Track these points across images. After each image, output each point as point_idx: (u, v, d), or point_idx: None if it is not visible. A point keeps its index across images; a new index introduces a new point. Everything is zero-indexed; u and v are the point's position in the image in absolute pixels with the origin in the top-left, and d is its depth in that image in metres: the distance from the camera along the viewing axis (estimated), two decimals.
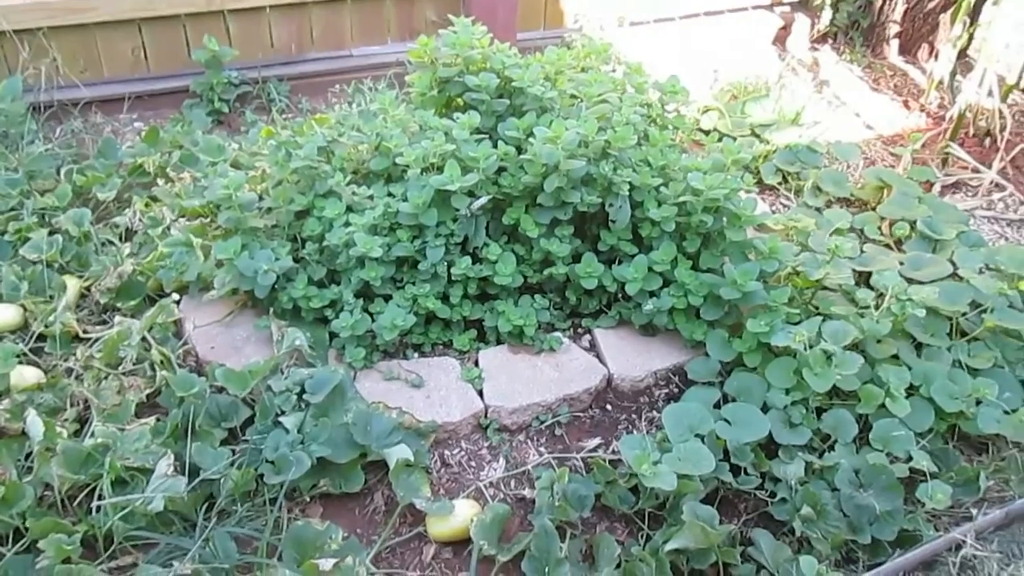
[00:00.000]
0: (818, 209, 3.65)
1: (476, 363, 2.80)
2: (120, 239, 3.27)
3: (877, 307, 2.79)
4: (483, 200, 2.72)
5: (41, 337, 2.83)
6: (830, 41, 5.28)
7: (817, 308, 2.92)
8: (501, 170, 2.83)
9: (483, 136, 2.90)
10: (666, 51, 4.65)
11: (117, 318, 2.85)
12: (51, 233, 3.16)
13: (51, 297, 2.96)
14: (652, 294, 2.84)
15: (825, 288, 3.01)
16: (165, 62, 4.23)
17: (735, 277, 2.69)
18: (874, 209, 3.63)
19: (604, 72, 3.32)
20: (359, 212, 2.75)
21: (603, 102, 2.93)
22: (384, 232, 2.74)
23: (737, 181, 2.82)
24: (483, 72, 2.97)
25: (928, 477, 2.48)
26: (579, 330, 2.98)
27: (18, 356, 2.72)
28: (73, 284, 3.04)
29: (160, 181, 3.50)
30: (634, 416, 2.78)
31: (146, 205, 3.35)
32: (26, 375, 2.68)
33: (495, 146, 2.81)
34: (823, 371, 2.58)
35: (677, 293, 2.80)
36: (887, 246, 3.46)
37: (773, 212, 3.68)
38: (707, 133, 4.10)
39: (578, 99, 2.99)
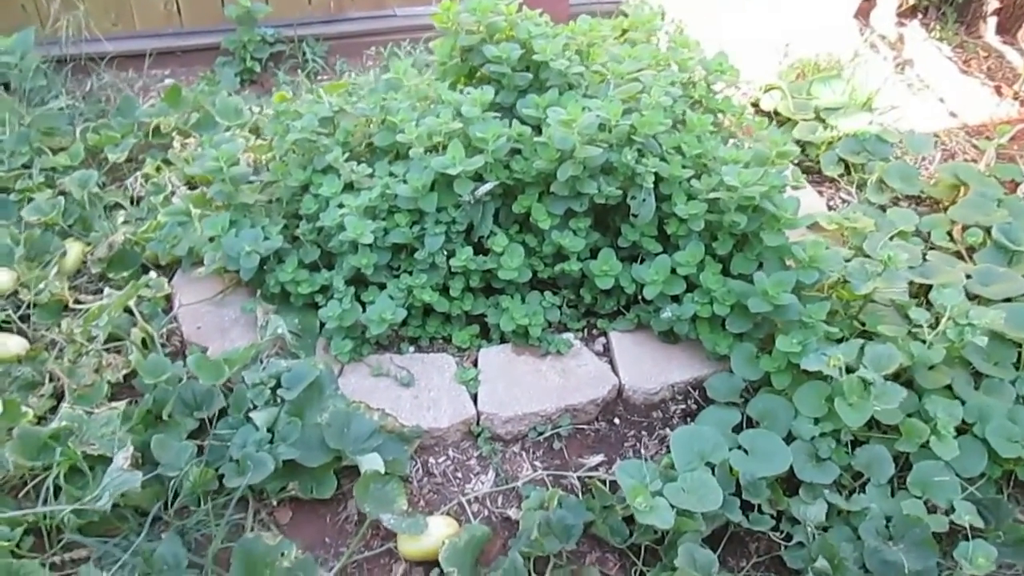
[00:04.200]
0: (882, 207, 3.27)
1: (475, 362, 2.57)
2: (131, 203, 3.14)
3: (933, 328, 2.44)
4: (488, 186, 2.47)
5: (36, 304, 2.71)
6: (919, 16, 4.79)
7: (863, 325, 2.59)
8: (516, 152, 2.57)
9: (501, 113, 2.64)
10: (736, 21, 4.26)
11: (107, 290, 2.72)
12: (58, 195, 3.04)
13: (49, 262, 2.85)
14: (675, 298, 2.55)
15: (875, 302, 2.66)
16: (199, 16, 4.07)
17: (767, 287, 2.38)
18: (946, 210, 3.23)
19: (651, 46, 3.00)
20: (356, 192, 2.53)
21: (635, 80, 2.62)
22: (382, 215, 2.52)
23: (780, 177, 2.50)
24: (505, 42, 2.69)
25: (971, 534, 2.15)
26: (593, 332, 2.71)
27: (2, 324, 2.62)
28: (76, 249, 2.92)
29: (177, 144, 3.35)
30: (643, 433, 2.52)
31: (157, 169, 3.20)
32: (9, 345, 2.57)
33: (515, 124, 2.54)
34: (858, 402, 2.27)
35: (702, 300, 2.50)
36: (957, 254, 3.07)
37: (830, 208, 3.32)
38: (768, 115, 3.78)
39: (607, 76, 2.69)
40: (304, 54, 4.14)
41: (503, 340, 2.63)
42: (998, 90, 4.19)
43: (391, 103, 2.64)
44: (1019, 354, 2.58)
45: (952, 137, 3.86)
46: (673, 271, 2.52)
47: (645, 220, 2.52)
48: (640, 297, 2.60)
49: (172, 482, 2.18)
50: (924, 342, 2.43)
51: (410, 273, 2.52)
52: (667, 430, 2.51)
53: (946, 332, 2.39)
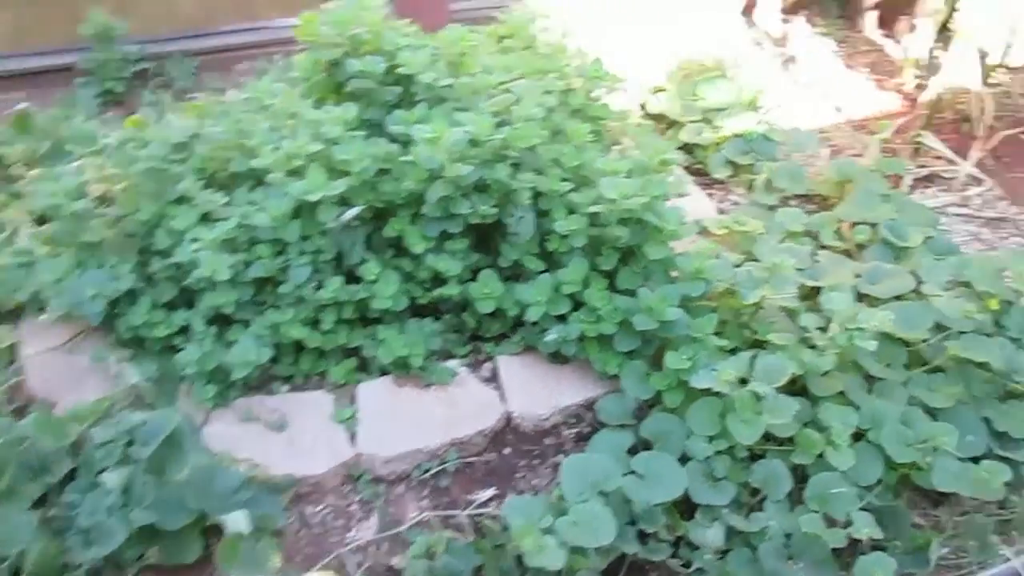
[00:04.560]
0: (771, 208, 3.22)
1: (353, 399, 2.40)
2: None
3: (824, 332, 2.38)
4: (354, 211, 2.30)
5: None
6: (804, 11, 4.81)
7: (755, 333, 2.52)
8: (385, 172, 2.41)
9: (370, 131, 2.48)
10: (626, 21, 4.18)
11: None
12: None
13: None
14: (562, 318, 2.44)
15: (766, 309, 2.59)
16: (51, 34, 3.78)
17: (651, 303, 2.28)
18: (834, 208, 3.20)
19: (529, 53, 2.88)
20: (211, 224, 2.33)
21: (507, 92, 2.49)
22: (243, 248, 2.33)
23: (662, 185, 2.40)
24: (369, 55, 2.53)
25: (872, 547, 2.09)
26: (480, 357, 2.57)
27: None
28: None
29: (25, 177, 3.07)
30: (536, 462, 2.39)
31: (3, 205, 2.92)
32: None
33: (383, 143, 2.39)
34: (751, 417, 2.19)
35: (588, 318, 2.39)
36: (847, 252, 3.05)
37: (721, 211, 3.26)
38: (656, 118, 3.72)
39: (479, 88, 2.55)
40: (169, 72, 3.89)
41: (384, 373, 2.47)
42: (881, 84, 4.22)
43: (248, 125, 2.44)
44: (910, 353, 2.55)
45: (839, 132, 3.86)
46: (557, 290, 2.40)
47: (525, 238, 2.39)
48: (526, 319, 2.47)
49: (10, 560, 1.95)
50: (816, 348, 2.37)
51: (277, 308, 2.34)
52: (560, 456, 2.39)
53: (835, 338, 2.33)
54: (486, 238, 2.53)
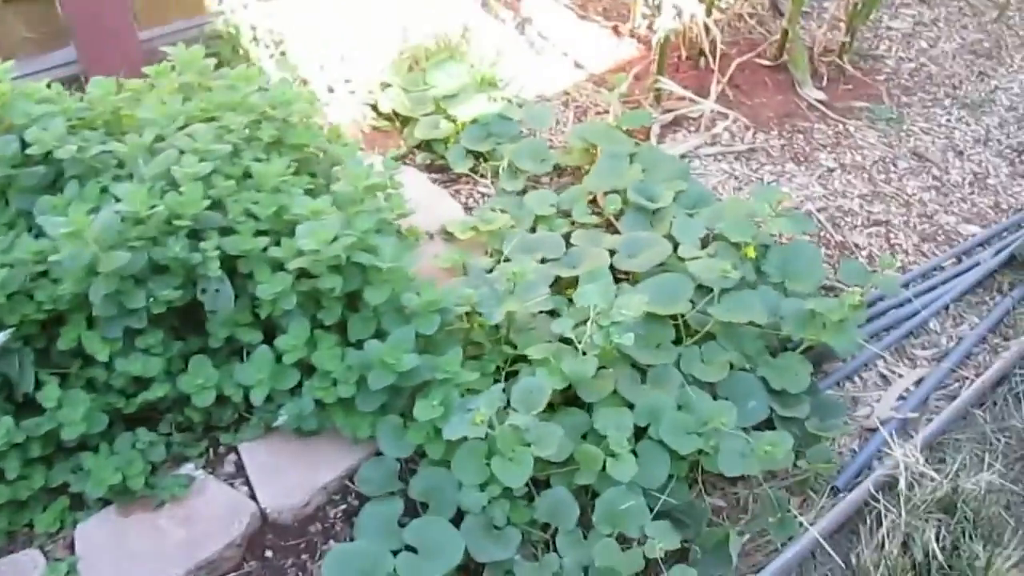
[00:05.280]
0: (520, 193, 3.01)
1: (72, 546, 2.02)
2: None
3: (585, 326, 2.19)
4: (2, 336, 1.90)
5: None
6: None
7: (516, 348, 2.30)
8: (43, 275, 2.00)
9: (18, 226, 2.06)
10: (341, 16, 3.83)
11: None
12: None
13: None
14: (295, 390, 2.13)
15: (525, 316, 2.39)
16: None
17: (382, 355, 2.01)
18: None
19: (206, 91, 2.51)
20: None
21: (162, 143, 2.13)
22: None
23: (371, 218, 2.12)
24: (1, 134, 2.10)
25: (676, 553, 1.94)
26: (219, 450, 2.23)
27: None
28: None
29: None
30: (304, 557, 2.09)
31: None
32: None
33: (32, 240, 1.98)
34: (517, 455, 1.97)
35: (322, 385, 2.09)
36: (606, 224, 2.89)
37: (469, 209, 3.02)
38: (389, 118, 3.43)
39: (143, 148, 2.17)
40: None
41: (107, 502, 2.09)
42: (616, 30, 4.09)
43: None
44: (676, 327, 2.41)
45: (581, 92, 3.70)
46: (280, 360, 2.09)
47: (225, 313, 2.06)
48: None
49: None
50: (578, 350, 2.18)
51: None
52: (331, 542, 2.11)
53: (593, 339, 2.15)
54: (193, 317, 2.17)
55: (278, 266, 2.11)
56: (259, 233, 2.12)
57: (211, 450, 2.24)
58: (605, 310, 2.16)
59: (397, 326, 2.11)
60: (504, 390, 2.08)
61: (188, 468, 2.16)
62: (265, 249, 2.09)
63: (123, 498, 2.07)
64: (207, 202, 1.98)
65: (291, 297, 2.06)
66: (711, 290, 2.42)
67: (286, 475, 2.15)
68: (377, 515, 2.05)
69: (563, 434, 1.98)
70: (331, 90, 3.52)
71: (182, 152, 2.09)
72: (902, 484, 2.01)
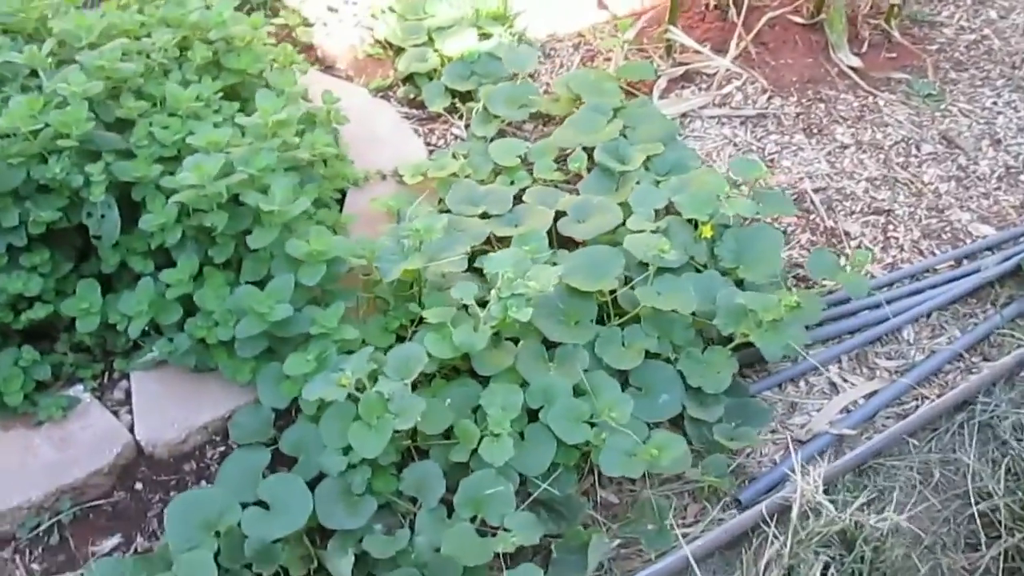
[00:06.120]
0: (492, 140, 2.83)
1: None
2: None
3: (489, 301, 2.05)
4: None
5: None
6: None
7: (424, 307, 2.18)
8: None
9: None
10: None
11: None
12: None
13: None
14: (182, 324, 2.07)
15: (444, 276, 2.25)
16: None
17: (253, 303, 1.92)
18: None
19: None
20: None
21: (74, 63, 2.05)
22: None
23: (269, 156, 2.01)
24: None
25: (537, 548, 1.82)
26: (114, 375, 2.21)
27: None
28: None
29: None
30: (173, 494, 2.06)
31: None
32: None
33: None
34: (379, 423, 1.86)
35: (205, 324, 2.02)
36: (571, 183, 2.69)
37: (435, 151, 2.85)
38: (385, 46, 3.27)
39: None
40: None
41: None
42: None
43: None
44: (604, 305, 2.24)
45: (597, 35, 3.44)
46: (164, 294, 2.03)
47: (111, 241, 2.00)
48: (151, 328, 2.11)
49: None
50: (479, 319, 2.04)
51: None
52: (204, 483, 2.07)
53: (491, 310, 2.00)
54: (77, 242, 2.12)
55: (168, 198, 2.03)
56: (162, 160, 2.04)
57: (106, 374, 2.22)
58: (510, 280, 2.00)
59: (284, 273, 2.01)
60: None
61: (77, 389, 2.14)
62: (158, 179, 2.01)
63: (3, 412, 2.07)
64: (92, 123, 1.90)
65: (176, 231, 1.98)
66: (647, 269, 2.22)
67: (169, 410, 2.11)
68: (242, 463, 1.99)
69: (428, 407, 1.86)
70: (332, 9, 3.38)
71: (83, 68, 2.01)
72: (794, 512, 1.81)
